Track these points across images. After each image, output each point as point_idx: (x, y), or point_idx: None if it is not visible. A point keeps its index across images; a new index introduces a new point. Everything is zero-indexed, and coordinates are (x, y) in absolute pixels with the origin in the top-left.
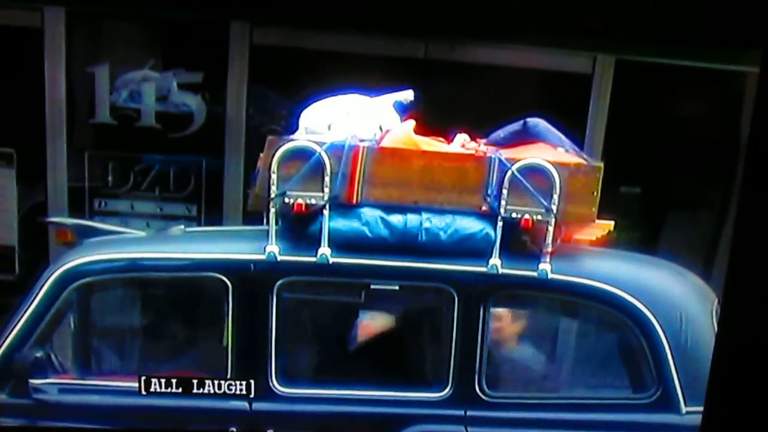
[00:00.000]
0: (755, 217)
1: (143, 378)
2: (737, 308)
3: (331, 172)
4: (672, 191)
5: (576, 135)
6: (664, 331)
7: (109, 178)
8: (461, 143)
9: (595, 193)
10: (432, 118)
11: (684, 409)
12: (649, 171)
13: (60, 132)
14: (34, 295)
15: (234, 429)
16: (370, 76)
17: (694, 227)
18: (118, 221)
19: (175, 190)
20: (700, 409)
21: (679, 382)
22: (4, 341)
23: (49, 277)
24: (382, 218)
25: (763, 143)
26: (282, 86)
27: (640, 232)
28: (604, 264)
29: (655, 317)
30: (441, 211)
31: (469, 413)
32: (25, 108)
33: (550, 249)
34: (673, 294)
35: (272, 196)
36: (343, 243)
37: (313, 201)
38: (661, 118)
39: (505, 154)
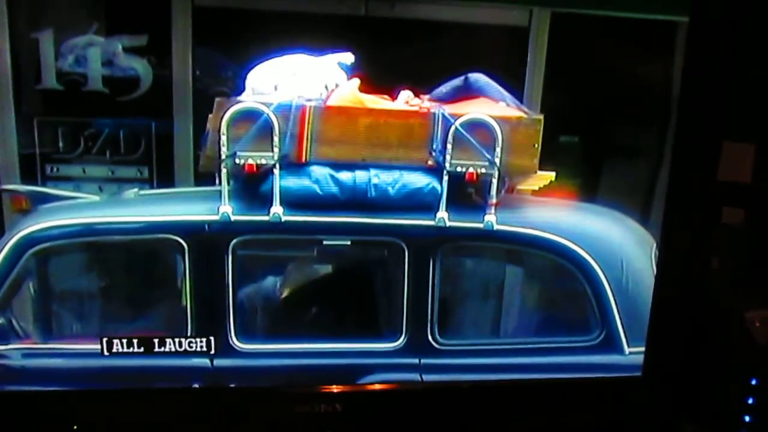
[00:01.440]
0: (688, 162)
1: (105, 339)
2: (673, 251)
3: (279, 132)
4: (609, 140)
5: (515, 87)
6: (606, 276)
7: (60, 144)
8: (405, 100)
9: (536, 145)
10: (376, 76)
11: (627, 349)
12: (586, 121)
13: (7, 99)
14: None
15: (197, 385)
16: (313, 36)
17: (632, 174)
18: (71, 186)
19: (126, 153)
20: (642, 349)
21: (622, 324)
22: None
23: (5, 245)
24: (331, 176)
25: (693, 91)
26: (227, 48)
27: (580, 180)
28: (547, 213)
29: (597, 263)
30: (389, 167)
31: (423, 361)
32: None
33: (494, 201)
34: (613, 240)
35: (223, 157)
36: (294, 201)
37: (264, 161)
38: (597, 69)
39: (449, 109)
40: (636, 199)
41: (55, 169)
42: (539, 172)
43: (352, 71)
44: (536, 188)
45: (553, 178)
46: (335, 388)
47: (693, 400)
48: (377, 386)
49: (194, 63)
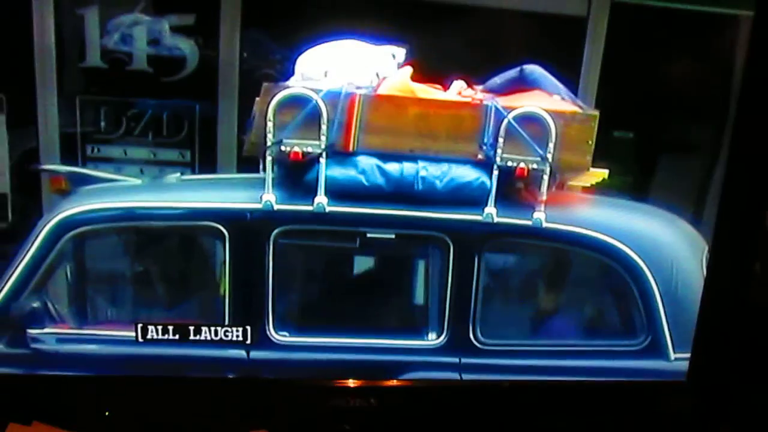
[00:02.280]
0: (745, 162)
1: (140, 326)
2: (724, 254)
3: (327, 120)
4: (664, 137)
5: (570, 80)
6: (655, 279)
7: (102, 124)
8: (458, 91)
9: (590, 142)
10: (428, 64)
11: (672, 355)
12: (642, 116)
13: (50, 76)
14: (29, 244)
15: (232, 376)
16: (366, 21)
17: (686, 174)
18: (111, 167)
19: (168, 136)
20: (688, 355)
21: (669, 329)
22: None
23: (44, 227)
24: (378, 167)
25: (755, 88)
26: (276, 30)
27: (633, 177)
28: (597, 212)
29: (646, 265)
30: (437, 160)
31: (463, 360)
32: (14, 52)
33: (544, 198)
34: (664, 242)
35: (268, 144)
36: (339, 191)
37: (310, 149)
38: (655, 63)
39: (502, 101)
40: (689, 199)
41: (96, 150)
42: (592, 169)
43: (404, 60)
44: (587, 185)
45: (606, 176)
46: (370, 383)
47: (737, 407)
48: (413, 382)
49: (242, 45)
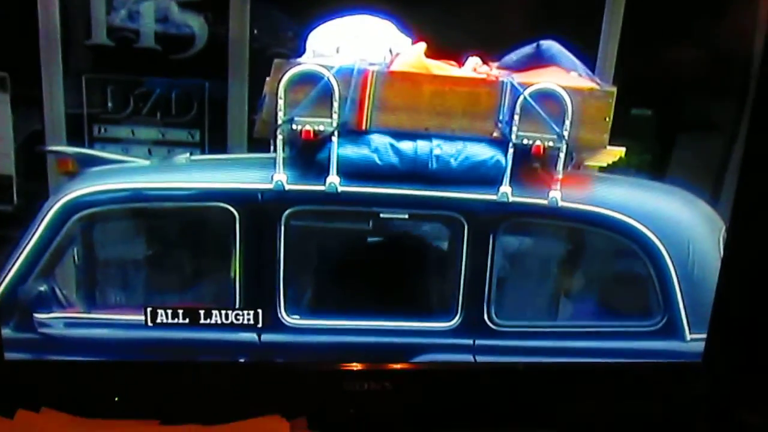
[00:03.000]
0: (764, 143)
1: (149, 309)
2: (743, 235)
3: (339, 98)
4: (684, 114)
5: (588, 56)
6: (671, 259)
7: (109, 103)
8: (473, 67)
9: (607, 119)
10: (443, 40)
11: (688, 336)
12: (661, 93)
13: (55, 54)
14: (36, 226)
15: (243, 360)
16: None
17: (705, 152)
18: (119, 148)
19: (177, 115)
20: (704, 336)
21: (685, 310)
22: (6, 275)
23: (50, 209)
24: (392, 145)
25: None
26: (287, 5)
27: (651, 155)
28: (614, 191)
29: (663, 244)
30: (452, 138)
31: (477, 342)
32: (17, 29)
33: (560, 176)
34: (681, 222)
35: (279, 122)
36: (352, 171)
37: (322, 127)
38: (675, 39)
39: (518, 78)
40: (707, 178)
41: (103, 130)
42: (608, 147)
43: (417, 36)
44: (604, 165)
45: (623, 155)
46: (384, 366)
47: (754, 389)
48: (428, 365)
49: (252, 21)
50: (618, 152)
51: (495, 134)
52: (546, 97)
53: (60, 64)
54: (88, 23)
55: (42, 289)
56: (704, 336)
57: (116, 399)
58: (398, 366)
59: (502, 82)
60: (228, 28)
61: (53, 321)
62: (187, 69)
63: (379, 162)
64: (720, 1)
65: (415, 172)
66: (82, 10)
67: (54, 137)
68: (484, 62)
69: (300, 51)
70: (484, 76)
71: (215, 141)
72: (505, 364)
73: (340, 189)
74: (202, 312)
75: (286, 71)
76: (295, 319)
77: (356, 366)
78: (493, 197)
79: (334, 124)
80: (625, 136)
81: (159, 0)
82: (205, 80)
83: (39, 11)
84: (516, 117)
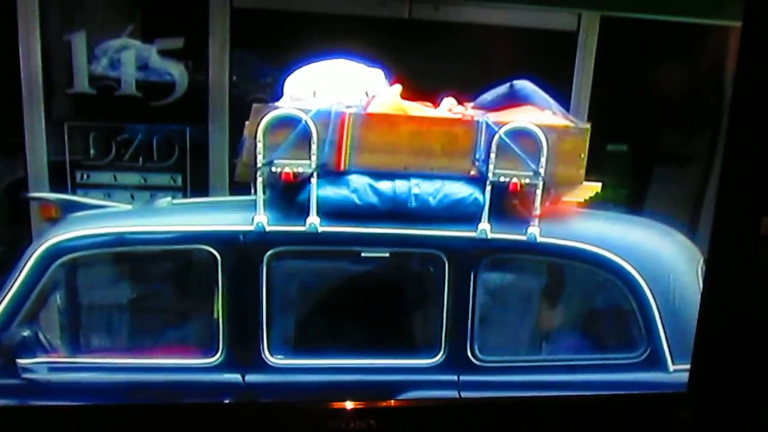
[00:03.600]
0: (740, 169)
1: (133, 353)
2: (723, 264)
3: (318, 140)
4: (657, 149)
5: (561, 95)
6: (652, 291)
7: (91, 150)
8: (448, 107)
9: (582, 155)
10: (418, 82)
11: (671, 367)
12: (635, 128)
13: (38, 103)
14: (18, 272)
15: (228, 401)
16: (355, 39)
17: (680, 185)
18: (101, 194)
19: (159, 160)
20: (687, 366)
21: (667, 341)
22: None
23: (32, 254)
24: (370, 185)
25: (746, 98)
26: (265, 52)
27: (627, 189)
28: (592, 225)
29: (643, 277)
30: (430, 177)
31: (462, 378)
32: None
33: (538, 212)
34: (660, 254)
35: (259, 165)
36: (332, 211)
37: (301, 169)
38: (647, 75)
39: (493, 117)
40: (684, 210)
41: (85, 176)
42: (585, 183)
43: (393, 77)
44: (582, 200)
45: (599, 190)
46: (369, 404)
47: (739, 418)
48: (412, 402)
49: (231, 67)
50: (594, 187)
51: (472, 172)
52: (521, 135)
53: (42, 112)
54: (70, 72)
55: (25, 334)
56: (687, 366)
57: None
58: (383, 404)
59: (478, 121)
60: (208, 75)
61: (37, 366)
62: (168, 115)
63: (358, 202)
64: (689, 37)
65: (394, 210)
66: (64, 59)
67: (37, 184)
68: (459, 102)
69: (278, 95)
70: (459, 115)
71: (197, 184)
72: (491, 399)
73: (321, 229)
74: (186, 355)
75: (265, 115)
76: (279, 358)
77: (340, 404)
78: (473, 234)
79: (313, 166)
80: (601, 172)
81: (140, 48)
82: (186, 125)
83: (21, 61)
84: (492, 155)
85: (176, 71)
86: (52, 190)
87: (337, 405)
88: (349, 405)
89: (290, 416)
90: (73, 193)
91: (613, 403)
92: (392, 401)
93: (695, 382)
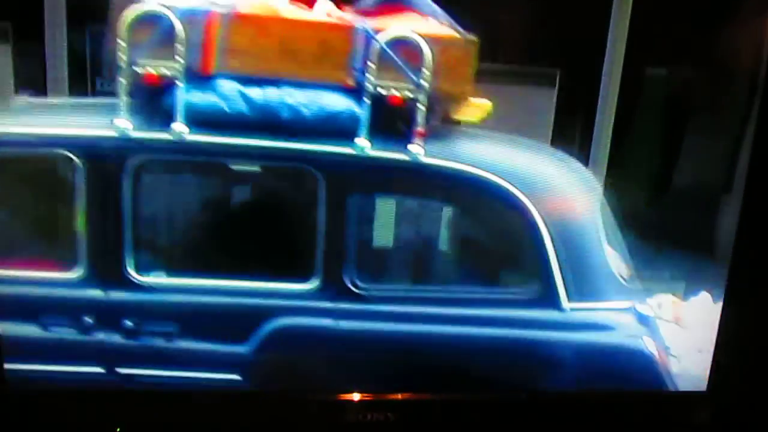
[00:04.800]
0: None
1: None
2: (744, 265)
3: (185, 40)
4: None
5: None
6: (544, 221)
7: None
8: (326, 12)
9: (469, 70)
10: None
11: (567, 305)
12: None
13: None
14: None
15: (89, 319)
16: None
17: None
18: None
19: None
20: (584, 306)
21: (562, 277)
22: None
23: None
24: (241, 92)
25: None
26: None
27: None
28: (481, 147)
29: (534, 205)
30: (305, 86)
31: (339, 306)
32: None
33: (421, 129)
34: (554, 182)
35: (121, 64)
36: (199, 118)
37: (166, 71)
38: None
39: (373, 23)
40: (583, 141)
41: None
42: (473, 100)
43: None
44: (474, 119)
45: (491, 109)
46: (385, 397)
47: (759, 418)
48: (431, 396)
49: None
50: (485, 106)
51: (350, 82)
52: (402, 44)
53: None
54: None
55: None
56: (585, 306)
57: None
58: (401, 396)
59: (356, 27)
60: None
61: None
62: None
63: (227, 110)
64: None
65: (266, 121)
66: None
67: None
68: (338, 6)
69: None
70: (336, 20)
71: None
72: (506, 394)
73: (189, 138)
74: (45, 267)
75: (127, 10)
76: (144, 276)
77: (358, 397)
78: (350, 150)
79: (179, 68)
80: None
81: None
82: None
83: None
84: (371, 65)
85: None
86: None
87: (354, 397)
88: (366, 397)
89: (307, 408)
90: None
91: (632, 400)
92: (410, 394)
93: (716, 381)
